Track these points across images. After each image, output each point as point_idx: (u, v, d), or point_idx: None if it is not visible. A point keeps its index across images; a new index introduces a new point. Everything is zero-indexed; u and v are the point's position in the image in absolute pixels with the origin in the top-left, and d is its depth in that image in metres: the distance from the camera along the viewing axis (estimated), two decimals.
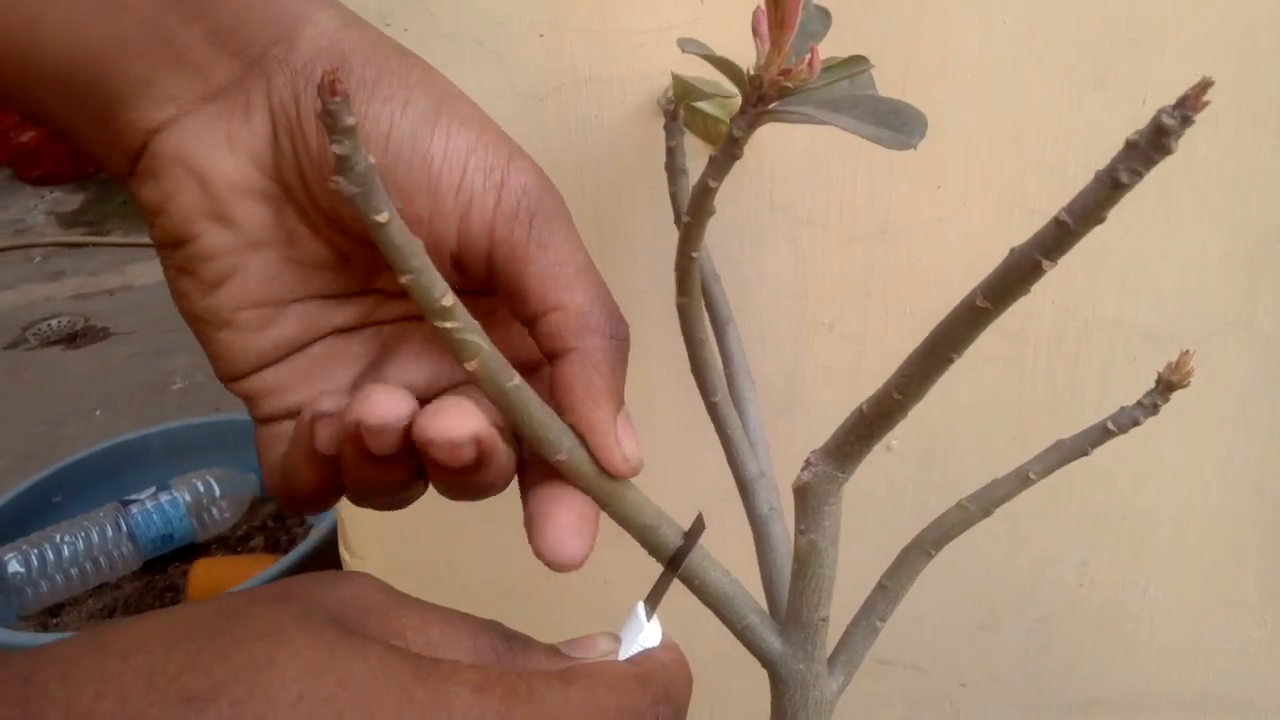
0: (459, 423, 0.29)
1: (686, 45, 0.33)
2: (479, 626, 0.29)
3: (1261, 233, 0.49)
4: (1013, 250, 0.25)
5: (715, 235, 0.50)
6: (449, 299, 0.28)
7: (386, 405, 0.29)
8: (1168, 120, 0.21)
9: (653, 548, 0.34)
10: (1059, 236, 0.23)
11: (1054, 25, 0.46)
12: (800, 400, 0.53)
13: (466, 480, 0.31)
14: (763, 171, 0.49)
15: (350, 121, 0.24)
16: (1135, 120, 0.48)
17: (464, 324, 0.29)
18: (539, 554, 0.32)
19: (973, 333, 0.26)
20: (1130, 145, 0.22)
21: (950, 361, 0.27)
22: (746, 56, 0.40)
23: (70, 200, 3.07)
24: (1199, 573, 0.56)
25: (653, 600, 0.32)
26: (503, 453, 0.31)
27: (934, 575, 0.58)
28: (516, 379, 0.30)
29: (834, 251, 0.50)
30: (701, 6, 0.46)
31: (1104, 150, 0.52)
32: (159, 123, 0.32)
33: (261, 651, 0.23)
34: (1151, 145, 0.21)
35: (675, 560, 0.33)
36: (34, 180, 3.13)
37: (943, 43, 0.46)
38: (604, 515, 0.34)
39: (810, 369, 0.53)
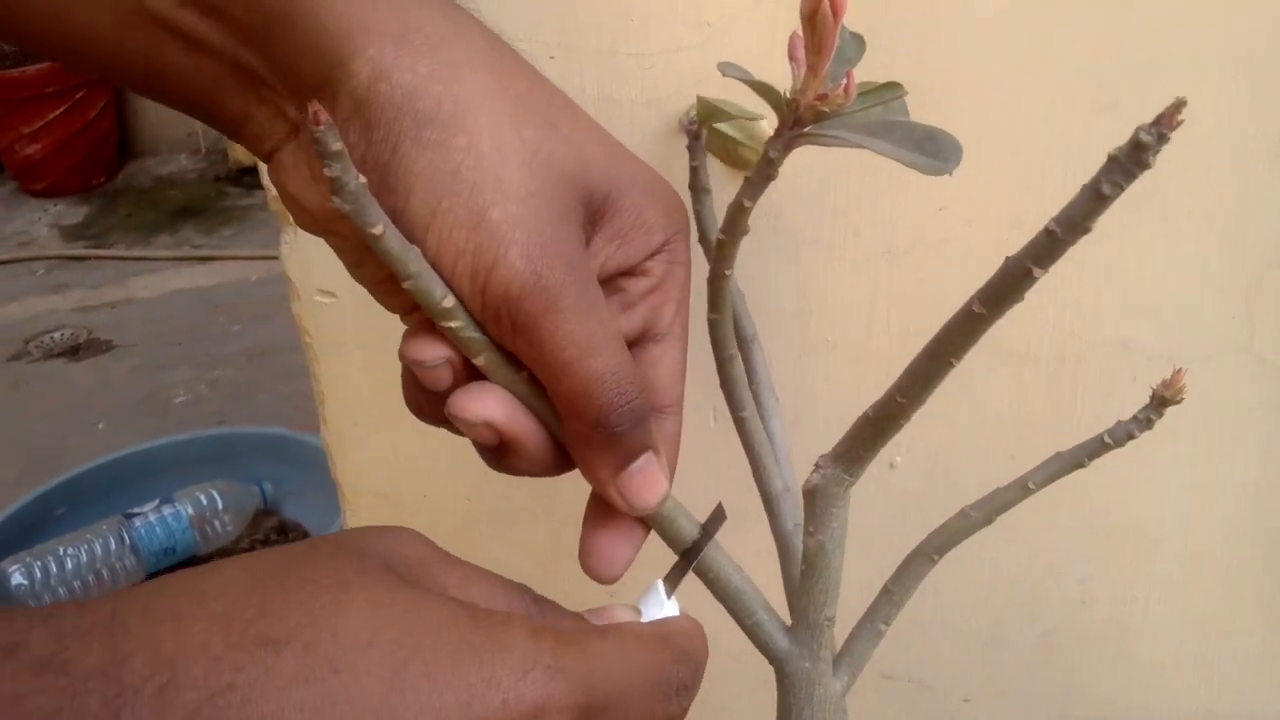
0: (475, 406, 0.32)
1: (727, 70, 0.33)
2: (513, 588, 0.31)
3: (1260, 256, 0.49)
4: (1007, 259, 0.26)
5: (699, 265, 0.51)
6: (449, 300, 0.31)
7: (419, 348, 0.32)
8: (1145, 137, 0.22)
9: (670, 539, 0.35)
10: (1049, 245, 0.25)
11: (1059, 49, 0.46)
12: (805, 418, 0.54)
13: (499, 460, 0.34)
14: (767, 193, 0.49)
15: (337, 146, 0.26)
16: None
17: (465, 323, 0.31)
18: (583, 567, 0.35)
19: (971, 338, 0.28)
20: (1112, 159, 0.23)
21: (950, 365, 0.28)
22: (759, 78, 0.41)
23: (74, 213, 3.08)
24: (1200, 589, 0.56)
25: (672, 579, 0.34)
26: (532, 440, 0.33)
27: (939, 590, 0.59)
28: (523, 372, 0.32)
29: (838, 272, 0.51)
30: (709, 29, 0.47)
31: None
32: (265, 153, 0.35)
33: (330, 599, 0.25)
34: (1131, 160, 0.23)
35: (697, 544, 0.35)
36: (38, 193, 3.14)
37: (948, 67, 0.47)
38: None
39: (814, 388, 0.53)
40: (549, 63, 0.48)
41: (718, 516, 0.36)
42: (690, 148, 0.44)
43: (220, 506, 1.46)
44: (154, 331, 2.44)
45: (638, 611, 0.33)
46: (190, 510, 1.44)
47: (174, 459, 1.56)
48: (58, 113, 3.01)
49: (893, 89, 0.31)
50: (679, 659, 0.30)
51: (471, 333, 0.31)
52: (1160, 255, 0.50)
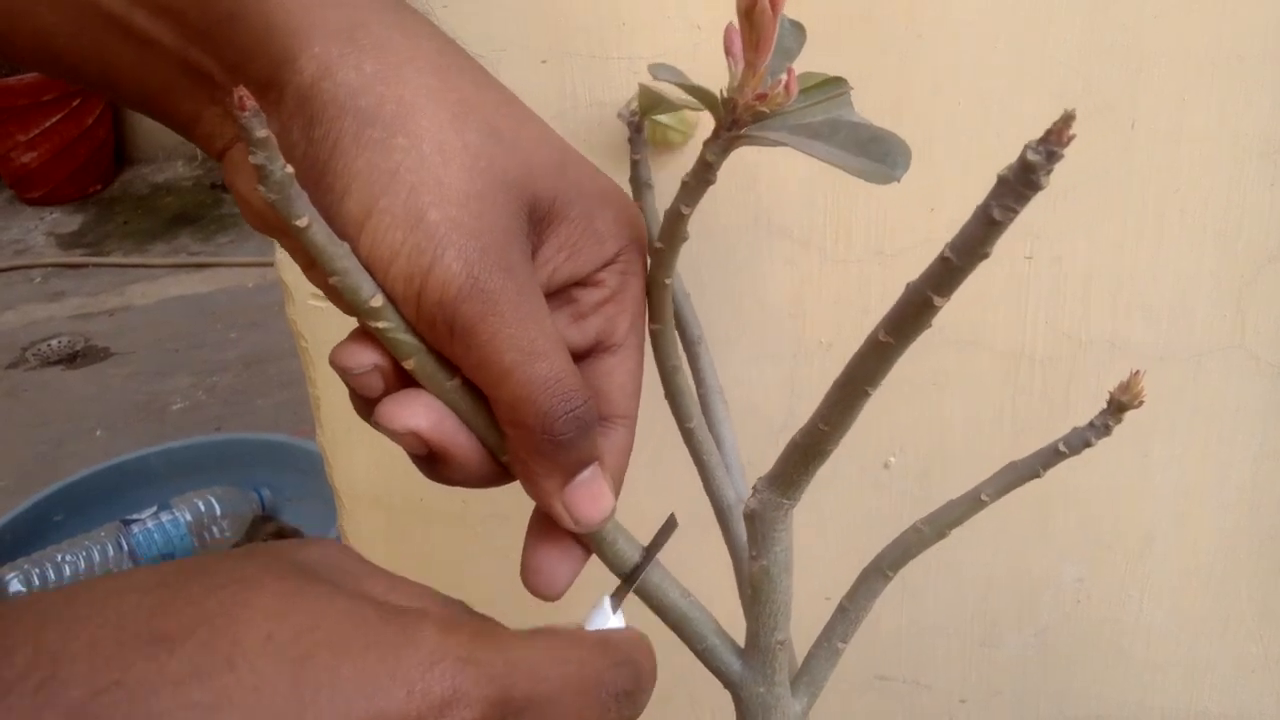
0: (401, 414, 0.31)
1: (658, 72, 0.33)
2: (446, 599, 0.30)
3: (1250, 254, 0.50)
4: (907, 286, 0.25)
5: (712, 256, 0.51)
6: (378, 299, 0.30)
7: (346, 354, 0.31)
8: (1033, 156, 0.20)
9: (609, 562, 0.34)
10: (946, 272, 0.23)
11: (1046, 51, 0.46)
12: (798, 419, 0.53)
13: (432, 469, 0.33)
14: (758, 194, 0.50)
15: (262, 133, 0.26)
16: (1125, 144, 0.49)
17: (395, 324, 0.30)
18: (524, 583, 0.34)
19: (883, 365, 0.26)
20: (1002, 181, 0.21)
21: (867, 394, 0.27)
22: None
23: (70, 221, 3.08)
24: (1194, 589, 0.57)
25: (618, 595, 0.33)
26: (463, 450, 0.32)
27: (934, 591, 0.59)
28: (456, 379, 0.31)
29: (830, 273, 0.51)
30: (700, 33, 0.47)
31: (1093, 172, 0.53)
32: (216, 152, 0.34)
33: (230, 596, 0.24)
34: (1021, 181, 0.21)
35: (647, 553, 0.34)
36: (34, 201, 3.14)
37: (936, 68, 0.47)
38: None
39: (808, 388, 0.54)
40: (541, 67, 0.48)
41: (669, 526, 0.35)
42: (631, 140, 0.42)
43: (218, 512, 1.46)
44: (151, 339, 2.44)
45: (581, 628, 0.32)
46: (188, 517, 1.44)
47: (172, 465, 1.56)
48: (54, 120, 3.01)
49: (837, 84, 0.29)
50: (618, 664, 0.29)
51: (402, 335, 0.30)
52: (1152, 254, 0.50)
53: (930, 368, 0.53)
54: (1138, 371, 0.33)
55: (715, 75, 0.48)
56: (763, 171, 0.49)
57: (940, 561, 0.56)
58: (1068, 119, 0.20)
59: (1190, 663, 0.58)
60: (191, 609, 0.24)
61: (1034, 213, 0.49)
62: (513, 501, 0.58)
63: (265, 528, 1.51)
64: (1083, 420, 0.53)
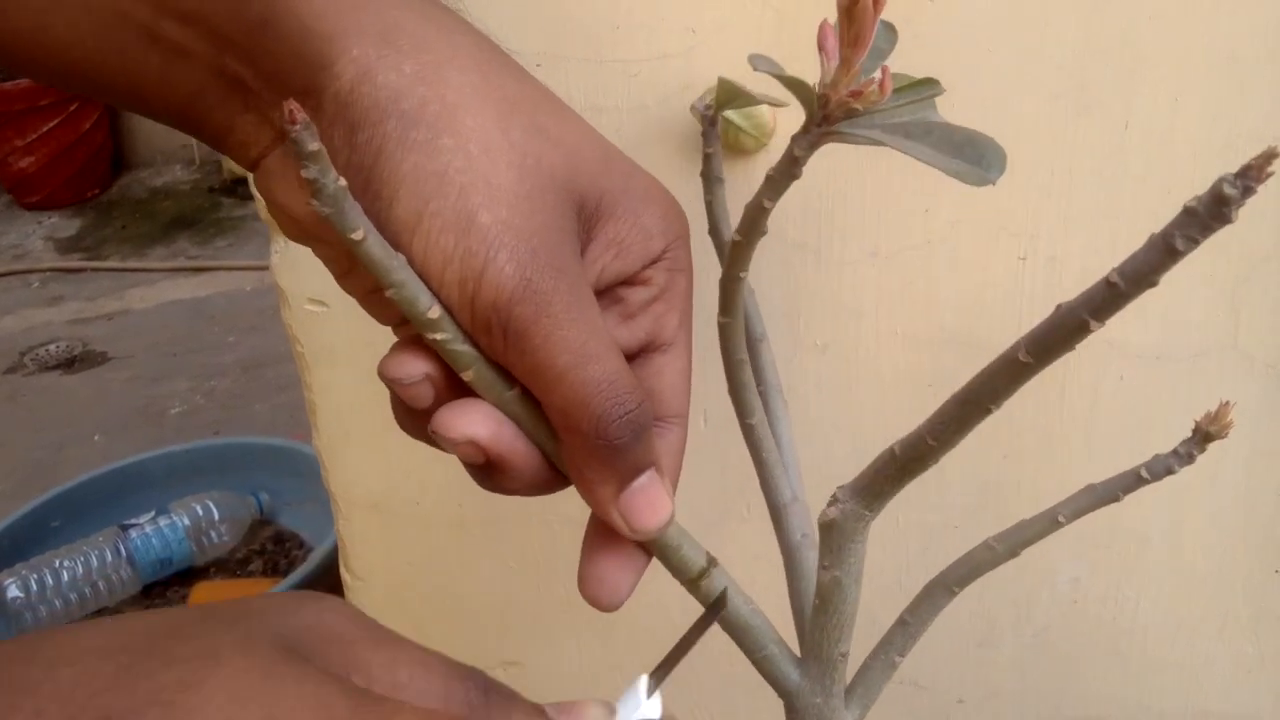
0: (459, 423, 0.31)
1: (757, 63, 0.31)
2: (457, 672, 0.27)
3: (1246, 254, 0.50)
4: (1059, 307, 0.24)
5: (707, 257, 0.51)
6: (435, 310, 0.29)
7: (396, 364, 0.31)
8: (1229, 190, 0.20)
9: (675, 569, 0.34)
10: (1109, 298, 0.23)
11: (1041, 53, 0.47)
12: (795, 422, 0.54)
13: (488, 478, 0.33)
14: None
15: (314, 146, 0.25)
16: (1118, 144, 0.49)
17: (452, 335, 0.30)
18: (583, 594, 0.33)
19: (1013, 385, 0.25)
20: (1188, 211, 0.21)
21: (988, 412, 0.26)
22: (744, 83, 0.41)
23: (68, 226, 3.08)
24: (1190, 589, 0.57)
25: (658, 675, 0.31)
26: (522, 459, 0.32)
27: None
28: (515, 389, 0.31)
29: (826, 275, 0.51)
30: (694, 36, 0.47)
31: (1087, 173, 0.53)
32: (250, 162, 0.33)
33: (190, 673, 0.23)
34: (1210, 213, 0.20)
35: (689, 637, 0.32)
36: (32, 206, 3.15)
37: (933, 69, 0.47)
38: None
39: (805, 390, 0.54)
40: (536, 71, 0.48)
41: (718, 604, 0.33)
42: (705, 134, 0.42)
43: (216, 517, 1.46)
44: (149, 343, 2.44)
45: (613, 710, 0.30)
46: (186, 521, 1.44)
47: (170, 470, 1.56)
48: (52, 125, 3.01)
49: (930, 85, 0.29)
50: None
51: (460, 345, 0.30)
52: None
53: (928, 370, 0.53)
54: (1227, 402, 0.33)
55: (709, 78, 0.48)
56: (758, 173, 0.49)
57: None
58: (1269, 156, 0.19)
59: (1187, 662, 0.58)
60: (145, 684, 0.22)
61: (1027, 213, 0.50)
62: (509, 505, 0.59)
63: (263, 532, 1.51)
64: (1080, 422, 0.54)
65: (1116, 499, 0.35)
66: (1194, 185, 0.48)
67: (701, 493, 0.53)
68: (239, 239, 2.89)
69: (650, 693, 0.30)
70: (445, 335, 0.30)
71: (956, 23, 0.46)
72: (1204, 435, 0.33)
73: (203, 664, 0.23)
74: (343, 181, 0.26)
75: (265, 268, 0.54)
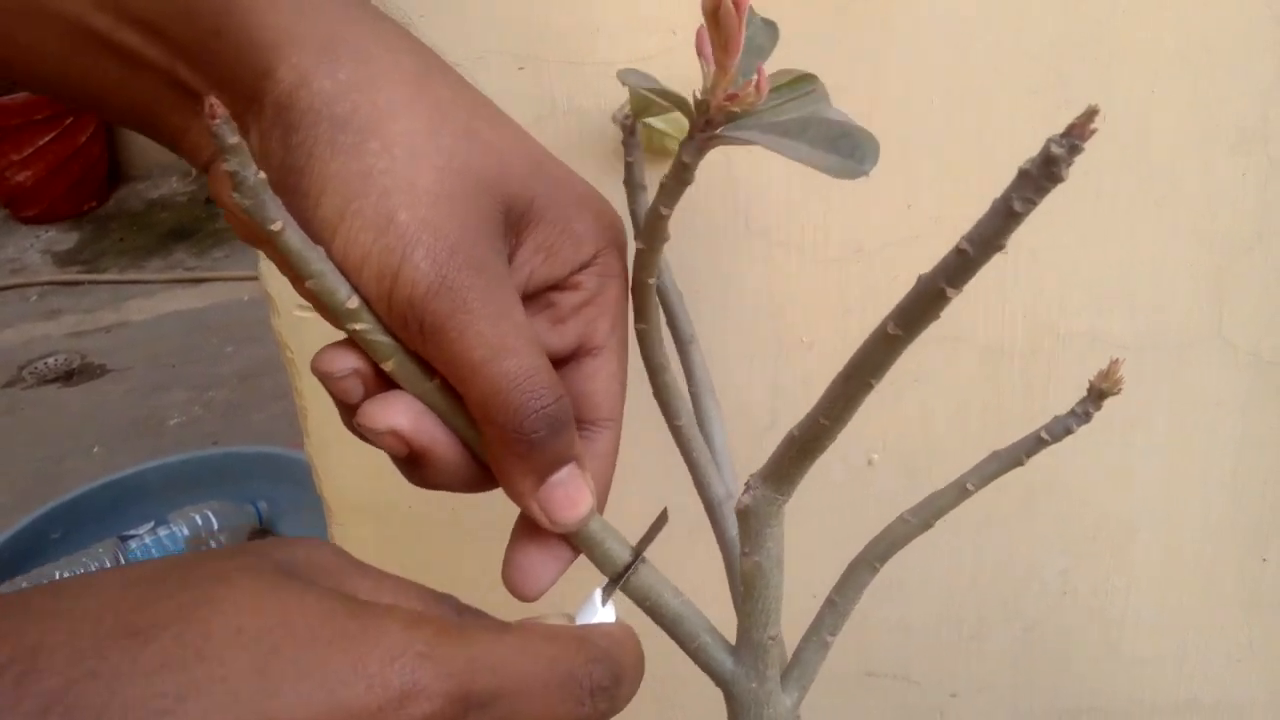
0: (381, 414, 0.32)
1: (627, 77, 0.32)
2: (433, 595, 0.30)
3: (1228, 244, 0.50)
4: (919, 278, 0.25)
5: (694, 257, 0.51)
6: (354, 301, 0.30)
7: (326, 359, 0.32)
8: (1056, 149, 0.21)
9: (599, 561, 0.34)
10: (961, 264, 0.23)
11: (1020, 46, 0.47)
12: (783, 419, 0.54)
13: (413, 471, 0.34)
14: (737, 195, 0.50)
15: (234, 140, 0.26)
16: (1096, 136, 0.49)
17: (372, 325, 0.31)
18: (504, 582, 0.34)
19: (889, 358, 0.26)
20: (1023, 174, 0.22)
21: (870, 386, 0.27)
22: None
23: (66, 239, 3.08)
24: (1179, 580, 0.57)
25: (609, 588, 0.33)
26: (443, 450, 0.32)
27: (921, 585, 0.59)
28: (435, 380, 0.32)
29: (811, 272, 0.51)
30: (675, 37, 0.48)
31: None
32: (202, 165, 0.35)
33: (204, 592, 0.25)
34: (1043, 174, 0.21)
35: (637, 547, 0.34)
36: (29, 219, 3.15)
37: (912, 65, 0.47)
38: None
39: (791, 387, 0.54)
40: (518, 74, 0.48)
41: (660, 521, 0.35)
42: (625, 143, 0.42)
43: (215, 527, 1.46)
44: (148, 354, 2.44)
45: (571, 620, 0.32)
46: (186, 531, 1.44)
47: (169, 481, 1.56)
48: (47, 139, 3.02)
49: (808, 81, 0.30)
50: (595, 659, 0.29)
51: (379, 336, 0.31)
52: (1128, 247, 0.50)
53: (912, 364, 0.53)
54: (1116, 359, 0.34)
55: (693, 78, 0.49)
56: (742, 172, 0.50)
57: (926, 557, 0.56)
58: (1090, 114, 0.21)
59: (1178, 652, 0.58)
60: (166, 604, 0.25)
61: None
62: (503, 509, 0.59)
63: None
64: (1063, 412, 0.54)
65: (1020, 463, 0.35)
66: (1176, 172, 0.49)
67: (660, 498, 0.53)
68: (235, 250, 2.89)
69: (604, 601, 0.33)
70: (364, 325, 0.31)
71: (933, 19, 0.46)
72: (1098, 393, 0.34)
73: (216, 583, 0.26)
74: (262, 175, 0.27)
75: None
